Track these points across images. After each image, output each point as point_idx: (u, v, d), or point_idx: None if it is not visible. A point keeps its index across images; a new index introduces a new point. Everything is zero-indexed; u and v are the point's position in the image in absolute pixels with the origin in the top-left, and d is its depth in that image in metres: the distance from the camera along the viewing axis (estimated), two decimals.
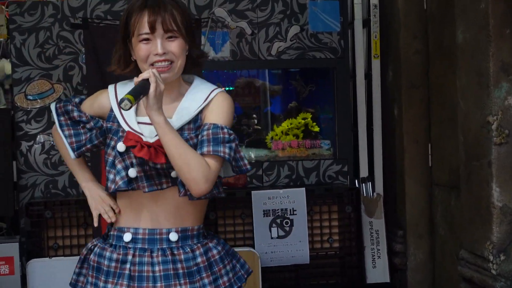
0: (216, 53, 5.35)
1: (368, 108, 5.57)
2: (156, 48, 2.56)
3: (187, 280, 2.62)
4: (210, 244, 2.75)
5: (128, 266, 2.62)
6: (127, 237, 2.68)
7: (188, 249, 2.67)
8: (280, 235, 5.15)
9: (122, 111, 2.63)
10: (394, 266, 5.45)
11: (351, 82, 5.60)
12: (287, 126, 5.64)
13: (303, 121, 5.65)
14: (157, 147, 2.54)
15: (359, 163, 5.53)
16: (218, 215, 5.15)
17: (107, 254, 2.68)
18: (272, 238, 5.14)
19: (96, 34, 4.65)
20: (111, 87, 2.76)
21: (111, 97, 2.73)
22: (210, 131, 2.55)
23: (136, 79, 2.48)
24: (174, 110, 2.65)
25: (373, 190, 5.47)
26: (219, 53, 5.36)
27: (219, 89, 2.69)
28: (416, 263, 5.39)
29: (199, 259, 2.67)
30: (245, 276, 2.86)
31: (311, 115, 5.71)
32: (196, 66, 2.74)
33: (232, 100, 2.69)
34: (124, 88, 2.68)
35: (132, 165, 2.60)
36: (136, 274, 2.61)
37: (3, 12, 5.35)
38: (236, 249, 4.80)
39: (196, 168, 2.47)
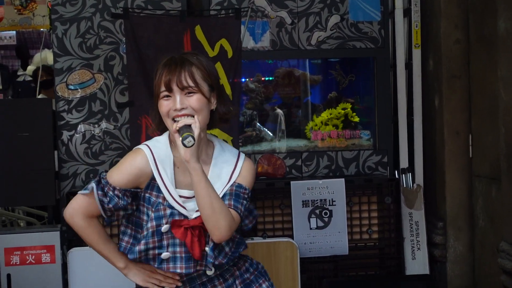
0: (256, 42, 5.35)
1: (408, 98, 5.53)
2: (175, 104, 2.70)
3: None
4: (244, 267, 2.96)
5: None
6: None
7: (227, 276, 2.89)
8: (319, 225, 5.15)
9: (164, 180, 2.75)
10: (434, 258, 5.43)
11: (392, 72, 5.57)
12: (327, 116, 5.63)
13: (342, 111, 5.64)
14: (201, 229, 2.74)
15: (399, 154, 5.50)
16: (257, 206, 5.14)
17: None
18: (311, 228, 5.14)
19: (136, 24, 4.68)
20: (147, 151, 2.79)
21: (151, 163, 2.77)
22: (234, 188, 2.80)
23: (176, 125, 2.64)
24: (207, 172, 2.79)
25: (413, 181, 5.45)
26: (258, 43, 5.36)
27: (243, 155, 2.91)
28: (456, 255, 5.37)
29: (237, 282, 2.91)
30: None
31: (350, 105, 5.69)
32: (223, 122, 2.89)
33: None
34: (159, 149, 2.79)
35: (167, 246, 2.77)
36: None
37: (45, 3, 5.41)
38: (275, 240, 4.95)
39: (223, 218, 2.66)
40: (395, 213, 5.30)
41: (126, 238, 2.85)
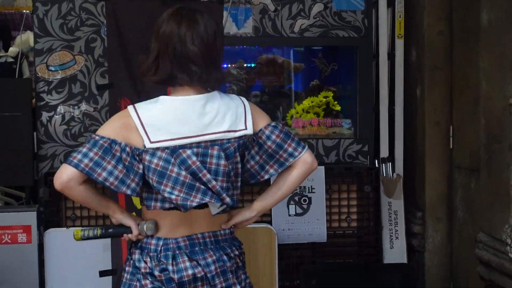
0: (239, 29, 5.33)
1: (390, 88, 5.54)
2: None
3: None
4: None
5: None
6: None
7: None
8: (298, 212, 5.14)
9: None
10: (412, 248, 5.44)
11: (374, 61, 5.56)
12: (308, 104, 5.62)
13: (324, 99, 5.63)
14: None
15: (380, 143, 5.50)
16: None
17: None
18: (289, 215, 5.14)
19: (118, 6, 4.64)
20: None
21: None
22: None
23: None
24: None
25: (393, 171, 5.46)
26: (241, 29, 5.33)
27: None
28: (434, 245, 5.38)
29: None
30: None
31: (332, 94, 5.69)
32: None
33: None
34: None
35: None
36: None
37: None
38: (254, 226, 4.93)
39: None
40: (374, 202, 5.30)
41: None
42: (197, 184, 2.61)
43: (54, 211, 4.95)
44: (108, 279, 4.22)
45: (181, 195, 2.59)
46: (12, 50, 8.12)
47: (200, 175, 2.61)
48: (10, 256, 4.65)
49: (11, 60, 8.01)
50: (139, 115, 2.62)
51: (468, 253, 4.94)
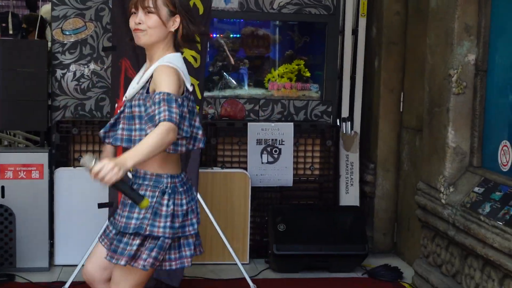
0: (226, 4, 5.20)
1: (353, 59, 5.43)
2: (136, 19, 2.74)
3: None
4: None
5: None
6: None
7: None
8: (269, 161, 5.09)
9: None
10: (364, 194, 5.42)
11: (340, 36, 5.43)
12: (283, 70, 5.54)
13: (297, 67, 5.55)
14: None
15: (341, 105, 5.42)
16: (219, 141, 5.09)
17: None
18: (262, 163, 5.10)
19: None
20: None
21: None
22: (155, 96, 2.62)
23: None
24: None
25: (351, 129, 5.38)
26: (228, 4, 5.20)
27: (161, 61, 2.73)
28: (383, 192, 5.36)
29: None
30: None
31: (303, 62, 5.58)
32: (186, 42, 2.82)
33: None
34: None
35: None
36: None
37: None
38: (231, 170, 4.90)
39: (162, 143, 2.50)
40: (334, 154, 5.25)
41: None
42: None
43: (64, 153, 4.92)
44: (105, 210, 4.18)
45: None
46: (34, 15, 8.02)
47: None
48: (25, 190, 4.60)
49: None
50: (181, 70, 2.71)
51: (410, 199, 4.91)
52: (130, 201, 2.66)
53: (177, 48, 2.81)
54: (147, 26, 2.71)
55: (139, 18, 2.72)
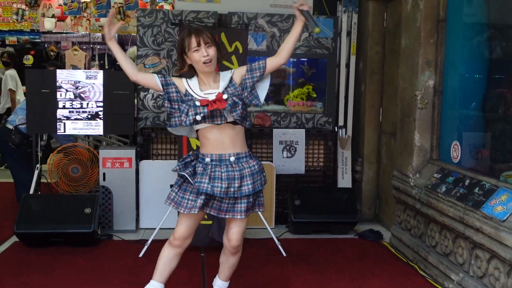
0: (257, 46, 5.27)
1: (346, 85, 5.45)
2: (203, 53, 2.67)
3: (239, 181, 2.72)
4: (252, 163, 2.80)
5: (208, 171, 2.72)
6: (207, 159, 2.75)
7: (241, 165, 2.74)
8: (288, 156, 5.13)
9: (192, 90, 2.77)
10: (355, 179, 5.42)
11: (337, 68, 5.46)
12: (297, 92, 5.55)
13: (307, 90, 5.56)
14: (218, 100, 2.68)
15: (338, 117, 5.44)
16: (253, 142, 5.14)
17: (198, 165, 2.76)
18: (283, 157, 5.13)
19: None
20: (184, 80, 2.83)
21: (185, 84, 2.80)
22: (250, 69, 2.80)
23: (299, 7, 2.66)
24: (218, 84, 2.75)
25: (346, 133, 5.40)
26: (259, 46, 5.27)
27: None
28: (368, 178, 5.36)
29: (245, 171, 2.74)
30: (264, 183, 2.88)
31: (311, 87, 5.59)
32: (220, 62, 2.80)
33: None
34: (190, 80, 2.80)
35: (200, 113, 2.68)
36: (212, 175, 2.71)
37: (135, 17, 5.33)
38: (263, 162, 4.88)
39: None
40: (333, 151, 5.27)
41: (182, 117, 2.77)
42: None
43: (146, 150, 4.98)
44: None
45: None
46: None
47: None
48: (120, 176, 4.68)
49: None
50: None
51: (387, 183, 4.92)
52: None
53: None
54: (211, 56, 2.69)
55: (205, 52, 2.66)
